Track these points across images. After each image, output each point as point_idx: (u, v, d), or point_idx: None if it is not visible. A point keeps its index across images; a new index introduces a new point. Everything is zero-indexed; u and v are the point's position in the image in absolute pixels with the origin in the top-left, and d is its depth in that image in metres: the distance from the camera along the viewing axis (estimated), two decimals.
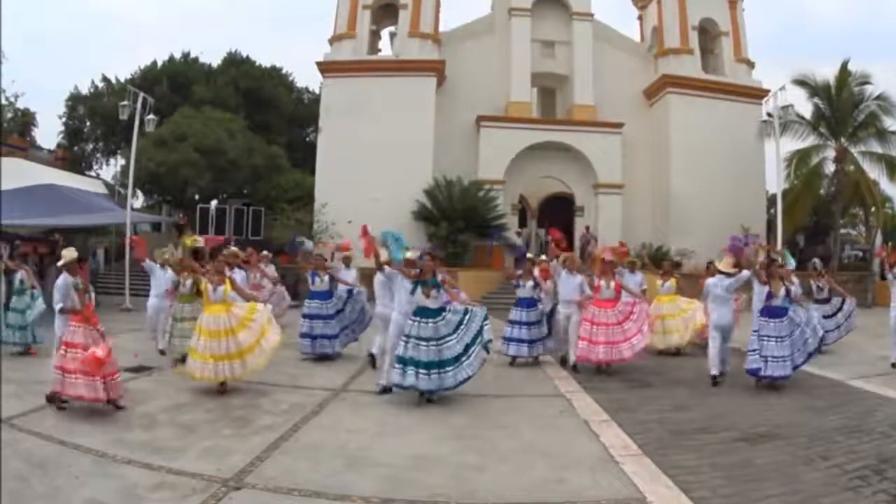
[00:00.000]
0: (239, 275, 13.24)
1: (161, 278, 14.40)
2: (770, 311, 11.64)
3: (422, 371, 9.94)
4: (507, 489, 6.48)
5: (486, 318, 10.69)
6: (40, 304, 14.27)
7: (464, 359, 10.23)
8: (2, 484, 5.99)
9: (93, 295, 10.06)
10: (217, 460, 7.09)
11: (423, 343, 10.07)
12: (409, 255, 11.01)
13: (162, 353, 13.69)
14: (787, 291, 11.86)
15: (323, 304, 13.90)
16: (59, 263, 10.12)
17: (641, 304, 13.67)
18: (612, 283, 13.43)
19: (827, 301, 16.21)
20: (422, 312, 10.32)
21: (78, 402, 8.94)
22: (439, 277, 11.08)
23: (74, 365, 8.89)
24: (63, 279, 9.80)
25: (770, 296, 11.69)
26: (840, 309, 16.16)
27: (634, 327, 13.22)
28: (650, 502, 6.17)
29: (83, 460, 7.02)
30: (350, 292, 14.39)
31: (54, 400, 9.16)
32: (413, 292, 10.47)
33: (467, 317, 10.53)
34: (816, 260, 17.88)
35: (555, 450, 7.72)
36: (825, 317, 15.68)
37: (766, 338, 11.45)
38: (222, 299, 10.97)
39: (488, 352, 10.85)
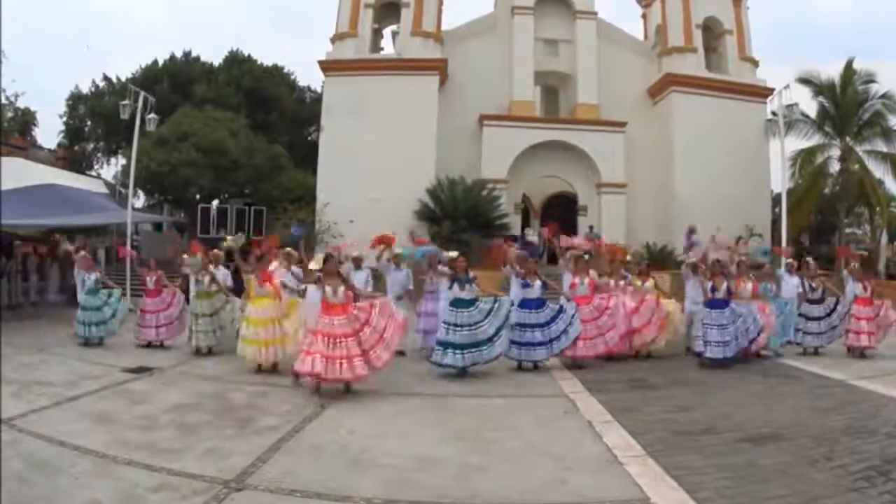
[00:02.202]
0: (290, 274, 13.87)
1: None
2: (713, 303, 13.83)
3: (459, 352, 12.12)
4: (511, 490, 6.45)
5: (511, 306, 12.80)
6: (124, 305, 15.91)
7: (495, 339, 12.35)
8: (2, 485, 5.97)
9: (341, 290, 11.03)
10: (218, 461, 7.05)
11: (460, 328, 12.26)
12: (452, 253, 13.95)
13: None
14: (728, 288, 13.95)
15: None
16: (311, 265, 12.04)
17: (618, 300, 14.07)
18: (587, 280, 14.13)
19: (821, 301, 15.80)
20: (458, 303, 12.55)
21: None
22: (471, 275, 13.02)
23: (338, 352, 10.35)
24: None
25: (714, 289, 13.91)
26: (834, 310, 15.70)
27: (610, 322, 13.74)
28: (654, 503, 6.13)
29: (83, 461, 6.98)
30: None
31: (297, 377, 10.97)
32: (451, 287, 12.78)
33: (496, 305, 12.53)
34: (793, 257, 17.85)
35: (558, 451, 7.67)
36: (818, 318, 15.57)
37: (708, 325, 13.66)
38: (267, 293, 12.58)
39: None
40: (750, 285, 14.62)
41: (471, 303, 12.54)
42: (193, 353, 14.32)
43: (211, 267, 14.81)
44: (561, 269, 15.18)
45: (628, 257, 17.77)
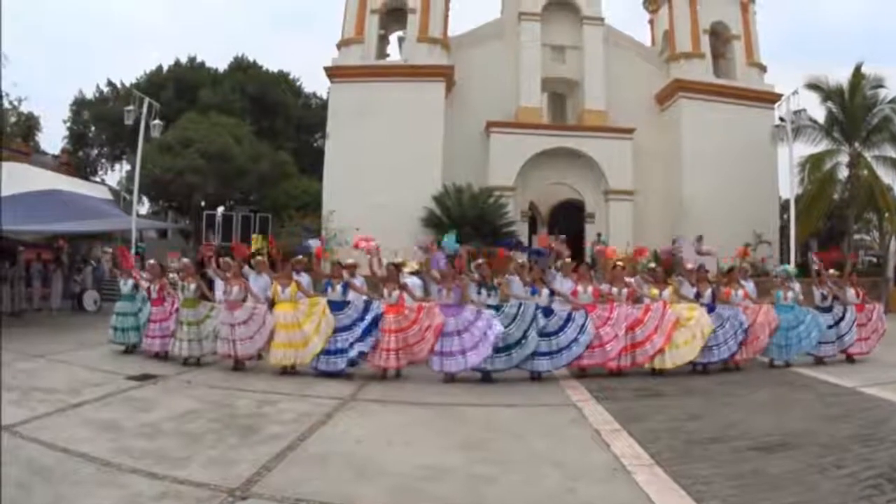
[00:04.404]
0: (304, 278, 14.33)
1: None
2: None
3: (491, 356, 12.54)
4: (518, 499, 6.41)
5: (537, 308, 12.95)
6: (148, 308, 15.22)
7: (523, 342, 12.65)
8: (2, 492, 5.92)
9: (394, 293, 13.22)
10: (223, 469, 7.00)
11: None
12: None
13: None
14: (713, 293, 14.48)
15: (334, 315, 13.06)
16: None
17: (620, 308, 13.60)
18: (590, 288, 13.87)
19: (829, 310, 15.55)
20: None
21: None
22: (495, 281, 13.49)
23: (388, 345, 12.59)
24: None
25: (698, 295, 14.30)
26: (842, 318, 15.49)
27: (612, 332, 13.34)
28: None
29: (87, 468, 6.94)
30: (367, 303, 13.19)
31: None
32: (479, 293, 13.09)
33: (521, 309, 12.82)
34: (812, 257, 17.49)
35: (566, 459, 7.62)
36: (827, 327, 15.24)
37: None
38: (290, 298, 13.26)
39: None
40: (741, 292, 14.72)
41: (496, 308, 12.88)
42: (182, 363, 14.12)
43: (252, 274, 14.62)
44: (551, 276, 14.80)
45: (643, 261, 17.36)
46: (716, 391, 12.04)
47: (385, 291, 13.14)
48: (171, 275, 15.19)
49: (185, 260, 15.36)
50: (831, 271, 16.46)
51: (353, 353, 12.77)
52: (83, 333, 18.00)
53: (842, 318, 15.49)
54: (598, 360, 13.25)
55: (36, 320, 21.93)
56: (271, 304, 13.61)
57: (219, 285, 14.91)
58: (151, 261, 15.81)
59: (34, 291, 24.57)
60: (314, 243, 15.67)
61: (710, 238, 26.86)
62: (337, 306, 13.11)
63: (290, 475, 6.93)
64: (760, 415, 10.02)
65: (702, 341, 13.65)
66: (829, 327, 15.30)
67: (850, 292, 15.94)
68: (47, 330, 19.33)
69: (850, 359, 15.38)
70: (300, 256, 14.72)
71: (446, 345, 12.56)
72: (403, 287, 13.40)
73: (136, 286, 15.83)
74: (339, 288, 13.40)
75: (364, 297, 13.43)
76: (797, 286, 15.63)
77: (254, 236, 16.68)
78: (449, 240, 14.55)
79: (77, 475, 6.73)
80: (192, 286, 14.45)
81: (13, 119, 40.78)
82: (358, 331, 12.86)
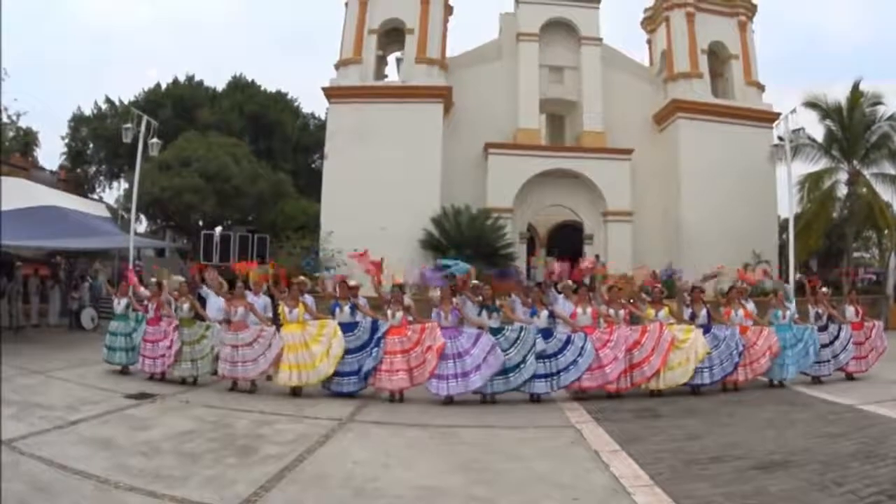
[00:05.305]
0: (309, 299, 14.16)
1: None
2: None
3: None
4: None
5: (537, 333, 12.92)
6: (143, 327, 14.99)
7: (522, 366, 12.68)
8: None
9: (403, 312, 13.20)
10: (221, 489, 6.98)
11: None
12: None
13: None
14: (708, 313, 14.42)
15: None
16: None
17: (619, 330, 13.50)
18: (589, 310, 13.82)
19: (824, 329, 15.48)
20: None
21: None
22: (497, 303, 13.50)
23: (393, 366, 12.64)
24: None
25: (693, 316, 14.26)
26: (837, 337, 15.42)
27: (611, 354, 13.24)
28: None
29: (84, 486, 6.93)
30: (374, 323, 13.32)
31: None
32: (479, 314, 13.11)
33: (522, 333, 12.84)
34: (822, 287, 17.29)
35: (565, 481, 7.57)
36: (822, 346, 15.16)
37: None
38: (297, 320, 13.33)
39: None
40: (742, 311, 14.68)
41: (497, 331, 12.88)
42: (180, 382, 14.09)
43: (251, 295, 14.46)
44: (552, 298, 14.70)
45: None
46: (715, 411, 12.01)
47: (388, 312, 13.10)
48: (163, 294, 14.99)
49: (178, 277, 15.25)
50: (824, 290, 16.38)
51: (366, 368, 12.91)
52: (80, 351, 18.00)
53: (836, 337, 15.44)
54: (599, 382, 13.14)
55: (34, 336, 21.91)
56: (278, 325, 13.64)
57: (211, 303, 14.89)
58: (181, 278, 15.63)
59: (32, 307, 24.56)
60: (328, 274, 15.73)
61: (708, 258, 26.77)
62: (347, 328, 13.14)
63: (289, 495, 6.90)
64: (760, 434, 10.00)
65: (695, 363, 13.58)
66: (824, 346, 15.25)
67: (850, 310, 15.94)
68: (45, 346, 19.32)
69: (849, 376, 15.35)
70: (302, 278, 14.64)
71: (442, 368, 12.47)
72: (408, 309, 13.43)
73: (129, 306, 15.69)
74: (346, 309, 13.37)
75: (370, 318, 13.44)
76: (792, 305, 15.66)
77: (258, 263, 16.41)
78: (457, 267, 14.55)
79: (75, 492, 6.71)
80: (186, 305, 14.37)
81: (11, 134, 40.70)
82: (368, 351, 12.96)
